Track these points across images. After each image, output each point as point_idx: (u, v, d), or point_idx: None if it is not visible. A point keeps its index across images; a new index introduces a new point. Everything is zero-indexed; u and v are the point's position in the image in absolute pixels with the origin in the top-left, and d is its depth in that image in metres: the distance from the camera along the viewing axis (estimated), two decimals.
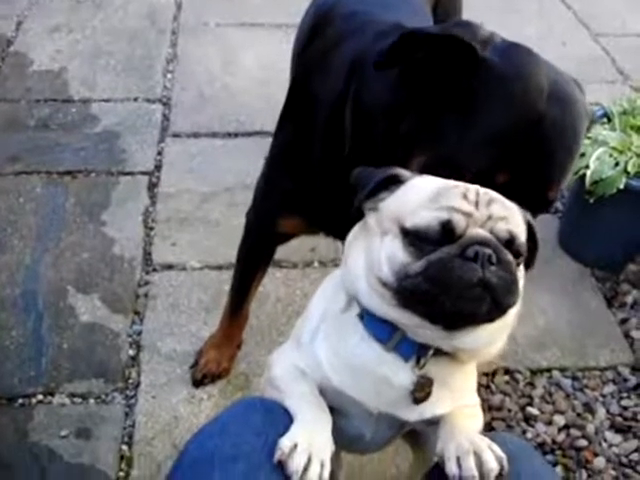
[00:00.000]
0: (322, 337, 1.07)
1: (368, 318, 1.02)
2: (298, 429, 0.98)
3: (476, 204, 0.94)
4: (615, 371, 2.07)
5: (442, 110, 1.14)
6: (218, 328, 1.97)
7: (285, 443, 0.94)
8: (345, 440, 1.17)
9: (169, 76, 3.14)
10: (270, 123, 2.83)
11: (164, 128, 2.85)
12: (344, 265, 1.07)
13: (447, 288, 0.91)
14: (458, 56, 1.11)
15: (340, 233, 1.22)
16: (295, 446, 0.94)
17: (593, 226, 2.32)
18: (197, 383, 1.93)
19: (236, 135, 2.85)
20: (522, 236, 0.96)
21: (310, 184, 1.44)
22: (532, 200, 1.10)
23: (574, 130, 1.13)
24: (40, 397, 1.87)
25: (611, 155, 2.11)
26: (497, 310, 0.94)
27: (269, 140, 2.74)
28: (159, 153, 2.72)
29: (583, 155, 2.12)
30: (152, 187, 2.56)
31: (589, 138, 2.14)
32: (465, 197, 0.94)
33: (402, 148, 1.17)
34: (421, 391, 1.02)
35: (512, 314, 1.00)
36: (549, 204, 1.15)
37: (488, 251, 0.91)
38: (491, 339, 1.02)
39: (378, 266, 0.96)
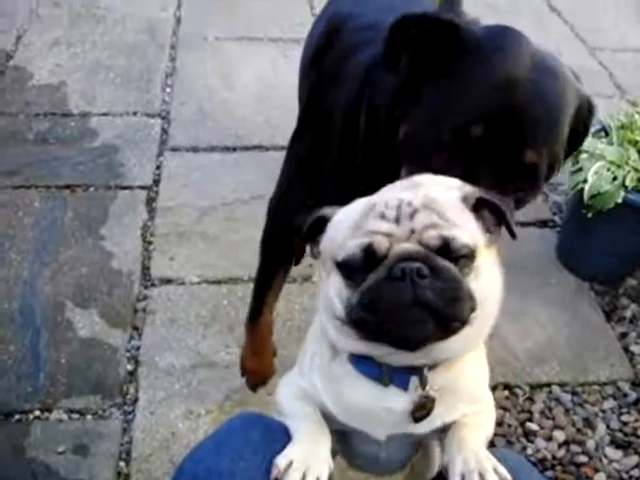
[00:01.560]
0: (319, 382, 1.07)
1: (356, 360, 1.01)
2: (295, 447, 0.98)
3: (396, 220, 0.90)
4: (615, 386, 2.06)
5: (424, 82, 1.17)
6: (245, 341, 1.96)
7: (281, 461, 0.94)
8: (362, 462, 1.17)
9: (168, 90, 3.15)
10: (268, 137, 2.88)
11: (163, 142, 2.86)
12: (318, 315, 1.07)
13: (384, 314, 0.88)
14: (441, 36, 1.15)
15: None
16: (291, 463, 0.94)
17: (591, 240, 2.32)
18: (253, 389, 1.96)
19: (234, 149, 2.85)
20: (462, 235, 0.89)
21: (326, 196, 1.45)
22: (509, 162, 1.09)
23: (556, 98, 1.13)
24: (37, 413, 1.86)
25: (609, 169, 2.11)
26: (448, 323, 0.89)
27: (267, 154, 2.79)
28: (158, 167, 2.72)
29: (581, 170, 2.13)
30: (150, 201, 2.56)
31: (586, 151, 2.14)
32: (383, 216, 0.90)
33: (396, 129, 1.19)
34: (422, 410, 1.00)
35: (489, 302, 0.95)
36: (528, 170, 1.11)
37: (415, 265, 0.86)
38: (472, 338, 0.97)
39: (332, 306, 0.95)
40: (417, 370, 0.99)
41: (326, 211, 1.00)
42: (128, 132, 2.89)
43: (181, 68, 3.30)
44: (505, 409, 1.96)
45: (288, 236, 1.63)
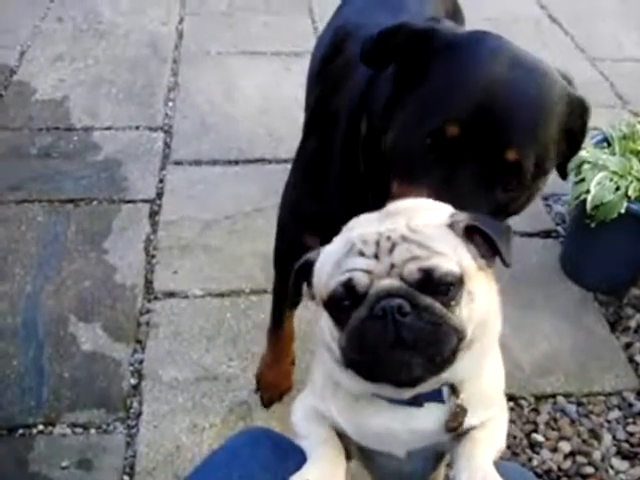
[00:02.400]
0: (334, 409, 1.02)
1: None
2: (311, 467, 0.96)
3: (376, 256, 0.87)
4: (620, 396, 2.05)
5: (409, 91, 1.16)
6: (266, 349, 1.96)
7: None
8: (385, 474, 1.15)
9: (170, 104, 3.16)
10: (270, 150, 2.89)
11: (165, 156, 2.86)
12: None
13: (370, 355, 0.86)
14: (420, 44, 1.15)
15: None
16: None
17: (595, 250, 2.31)
18: (268, 405, 1.95)
19: (237, 162, 2.85)
20: (444, 263, 0.86)
21: (330, 202, 1.45)
22: (491, 161, 1.06)
23: (538, 94, 1.10)
24: (41, 427, 1.86)
25: (611, 179, 2.11)
26: (434, 359, 0.86)
27: (270, 167, 2.80)
28: (160, 181, 2.73)
29: (583, 180, 2.13)
30: (153, 215, 2.57)
31: (589, 162, 2.15)
32: (362, 253, 0.88)
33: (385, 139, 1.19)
34: (455, 420, 0.97)
35: (489, 322, 0.93)
36: (512, 169, 1.07)
37: (396, 302, 0.84)
38: (477, 358, 0.95)
39: (330, 348, 0.93)
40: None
41: (311, 254, 0.98)
42: (131, 146, 2.90)
43: (183, 82, 3.32)
44: (510, 420, 1.94)
45: (299, 243, 1.63)
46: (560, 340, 2.20)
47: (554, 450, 1.89)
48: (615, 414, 2.00)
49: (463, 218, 0.91)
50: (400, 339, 0.84)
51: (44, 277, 2.29)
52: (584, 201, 2.11)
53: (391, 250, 0.87)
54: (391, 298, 0.84)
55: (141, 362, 2.05)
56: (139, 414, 1.91)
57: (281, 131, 2.96)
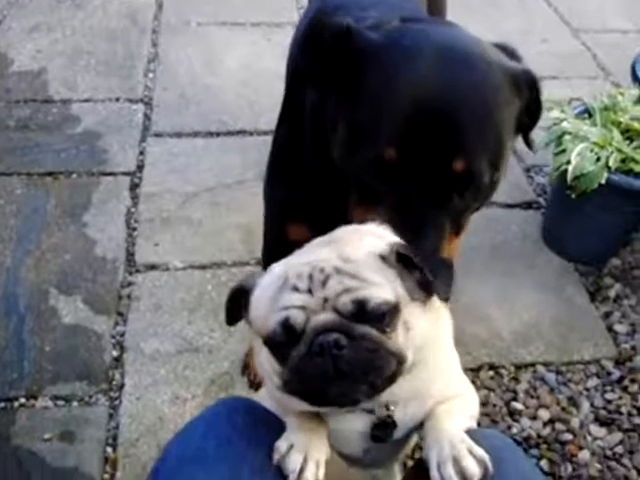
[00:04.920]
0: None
1: None
2: (294, 433, 0.97)
3: (309, 290, 0.88)
4: (599, 365, 2.08)
5: (337, 104, 1.11)
6: None
7: (282, 444, 0.95)
8: (348, 462, 1.17)
9: (150, 76, 3.12)
10: (252, 122, 2.87)
11: (146, 128, 2.83)
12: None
13: (311, 388, 0.89)
14: (337, 46, 1.08)
15: None
16: (291, 447, 0.94)
17: (576, 221, 2.33)
18: (256, 386, 1.92)
19: (218, 135, 2.83)
20: (379, 292, 0.87)
21: (307, 188, 1.42)
22: (440, 176, 1.00)
23: (475, 87, 1.02)
24: (23, 400, 1.86)
25: (592, 150, 2.11)
26: (375, 385, 0.88)
27: (251, 139, 2.79)
28: (141, 153, 2.71)
29: (564, 151, 2.13)
30: (134, 187, 2.55)
31: (570, 133, 2.15)
32: (296, 288, 0.89)
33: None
34: (381, 431, 1.01)
35: (431, 346, 0.94)
36: (464, 178, 1.01)
37: (333, 337, 0.85)
38: (425, 377, 0.97)
39: (272, 378, 0.94)
40: None
41: (246, 281, 0.99)
42: (110, 118, 2.87)
43: (163, 53, 3.27)
44: (490, 389, 1.97)
45: (284, 235, 1.57)
46: (540, 310, 2.22)
47: (533, 418, 1.92)
48: (593, 382, 2.02)
49: (398, 248, 0.91)
50: (340, 372, 0.86)
51: (24, 251, 2.27)
52: (565, 172, 2.11)
53: (324, 283, 0.88)
54: (327, 333, 0.86)
55: (123, 335, 2.04)
56: (121, 386, 1.91)
57: (262, 103, 2.94)
